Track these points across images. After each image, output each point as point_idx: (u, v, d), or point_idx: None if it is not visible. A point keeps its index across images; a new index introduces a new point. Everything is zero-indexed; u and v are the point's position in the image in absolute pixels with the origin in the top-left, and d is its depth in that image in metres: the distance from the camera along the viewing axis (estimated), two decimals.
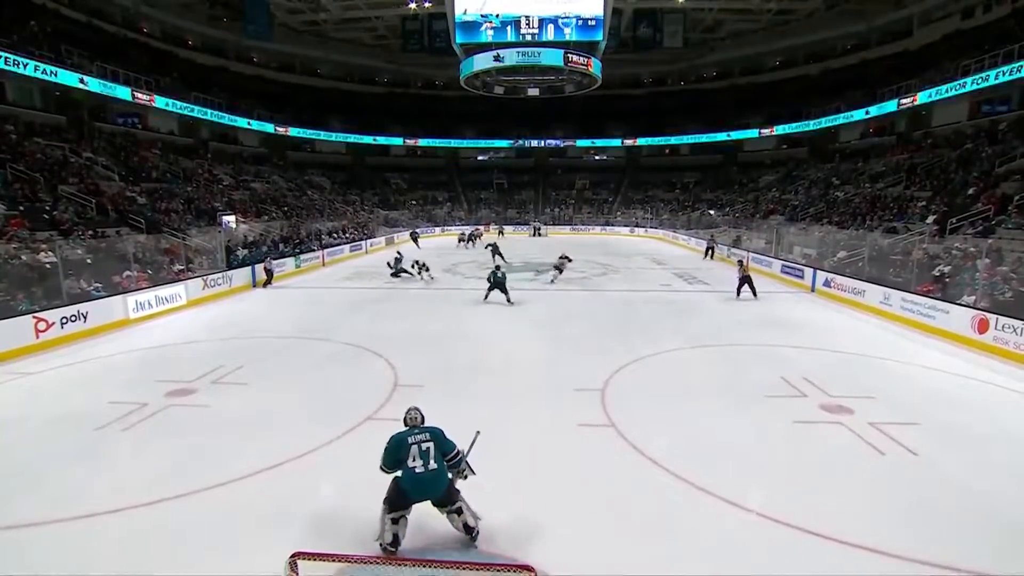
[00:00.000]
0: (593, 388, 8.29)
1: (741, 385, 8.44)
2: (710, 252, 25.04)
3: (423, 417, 4.57)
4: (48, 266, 12.62)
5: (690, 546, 4.59)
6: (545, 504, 5.17)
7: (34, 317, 10.39)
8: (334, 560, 2.98)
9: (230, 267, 17.51)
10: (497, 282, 14.59)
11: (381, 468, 4.33)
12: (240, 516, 4.98)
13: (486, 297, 14.60)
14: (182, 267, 16.33)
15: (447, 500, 4.26)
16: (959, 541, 4.62)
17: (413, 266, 19.11)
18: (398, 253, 20.71)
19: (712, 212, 36.33)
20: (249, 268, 17.94)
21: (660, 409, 7.55)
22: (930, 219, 18.08)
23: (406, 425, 4.47)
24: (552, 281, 18.34)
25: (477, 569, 3.05)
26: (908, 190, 22.10)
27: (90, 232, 16.13)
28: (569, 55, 23.66)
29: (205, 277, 15.74)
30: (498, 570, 2.93)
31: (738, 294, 15.24)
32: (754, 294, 15.00)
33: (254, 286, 17.77)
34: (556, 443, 6.52)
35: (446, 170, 49.64)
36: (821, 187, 29.22)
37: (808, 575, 4.23)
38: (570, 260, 19.60)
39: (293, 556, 2.93)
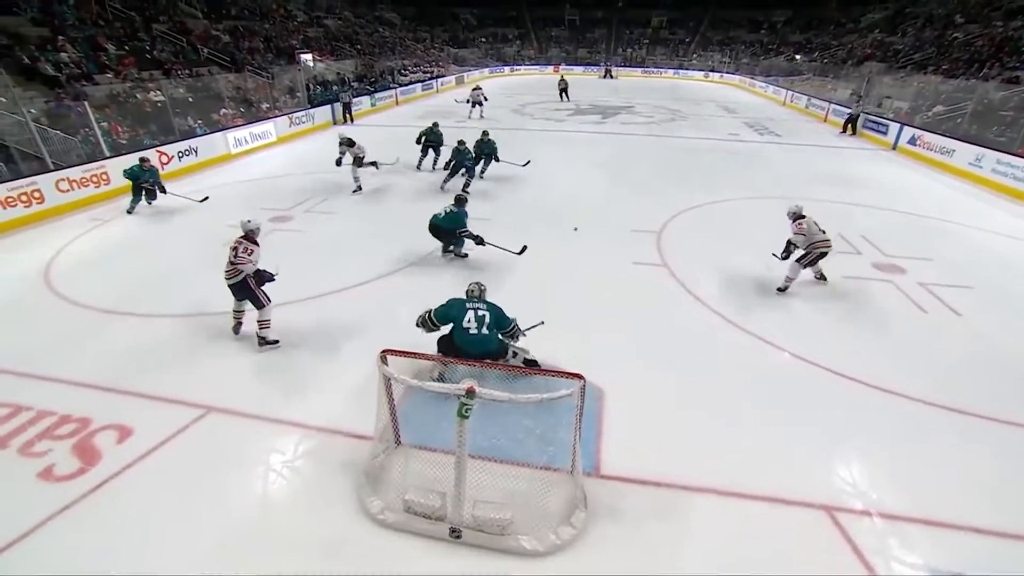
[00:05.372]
0: (650, 230, 8.19)
1: None
2: (851, 125, 16.91)
3: (481, 292, 4.55)
4: (159, 104, 13.03)
5: (722, 371, 4.80)
6: (595, 327, 5.48)
7: (158, 151, 11.03)
8: (416, 357, 3.38)
9: (312, 105, 17.40)
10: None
11: (427, 320, 4.35)
12: (342, 320, 5.61)
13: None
14: (268, 105, 16.37)
15: (498, 356, 4.38)
16: (974, 389, 4.58)
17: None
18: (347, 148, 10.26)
19: (798, 57, 31.02)
20: (329, 106, 17.76)
21: (711, 254, 7.39)
22: None
23: (467, 296, 4.53)
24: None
25: (535, 374, 3.38)
26: None
27: (187, 71, 16.18)
28: None
29: (291, 115, 15.80)
30: (553, 376, 3.24)
31: None
32: None
33: (334, 123, 17.78)
34: (611, 278, 6.65)
35: (516, 5, 44.12)
36: (938, 27, 23.78)
37: (825, 408, 4.42)
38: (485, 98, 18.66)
39: (383, 352, 3.34)
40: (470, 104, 18.97)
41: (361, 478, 3.51)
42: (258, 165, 12.56)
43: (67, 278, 6.61)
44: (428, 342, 4.48)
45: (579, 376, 3.07)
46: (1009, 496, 3.55)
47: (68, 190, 9.16)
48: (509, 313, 4.52)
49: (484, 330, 4.27)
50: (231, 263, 4.86)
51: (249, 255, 4.84)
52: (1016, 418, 4.25)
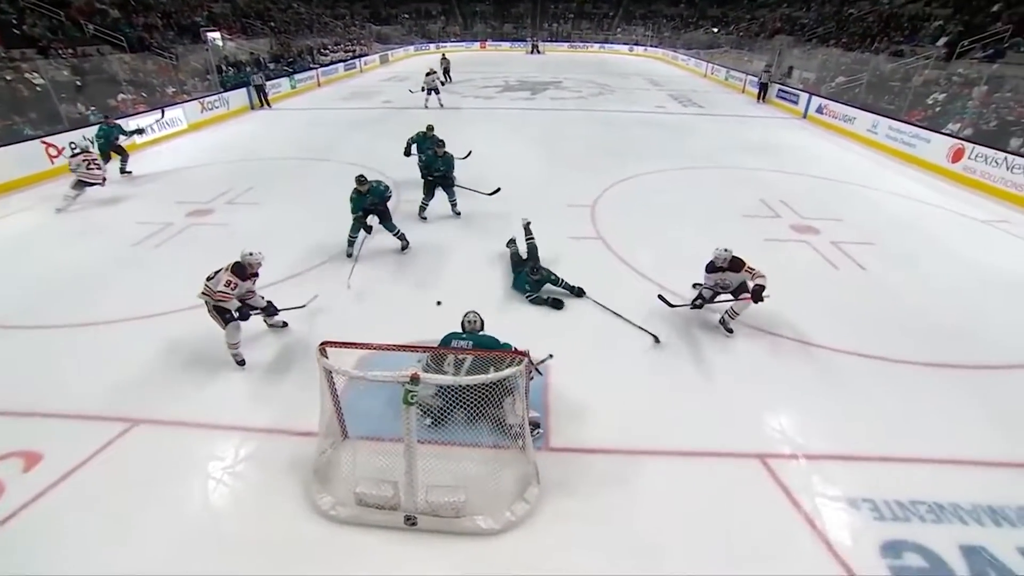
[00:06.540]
0: (584, 204, 8.34)
1: (721, 205, 8.45)
2: (763, 93, 18.62)
3: (477, 323, 4.19)
4: (39, 88, 11.51)
5: (659, 333, 5.01)
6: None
7: (42, 142, 9.80)
8: (356, 347, 3.26)
9: (225, 88, 16.08)
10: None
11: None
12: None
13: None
14: (175, 89, 14.96)
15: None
16: (879, 334, 5.09)
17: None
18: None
19: (715, 30, 32.31)
20: (244, 90, 16.49)
21: (644, 224, 7.66)
22: (942, 41, 16.15)
23: (461, 327, 4.16)
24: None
25: (481, 356, 3.36)
26: (928, 7, 19.32)
27: (69, 51, 14.35)
28: None
29: (202, 100, 14.53)
30: (498, 355, 3.24)
31: None
32: None
33: (252, 108, 16.57)
34: (547, 253, 6.59)
35: None
36: (836, 3, 25.54)
37: (753, 363, 4.75)
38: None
39: (322, 344, 3.20)
40: (425, 92, 16.20)
41: (309, 475, 3.38)
42: (168, 155, 11.50)
43: None
44: (371, 333, 4.33)
45: (523, 354, 3.09)
46: (909, 425, 3.98)
47: None
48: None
49: (463, 374, 3.67)
50: (208, 287, 4.33)
51: (232, 290, 4.31)
52: (912, 357, 4.76)
